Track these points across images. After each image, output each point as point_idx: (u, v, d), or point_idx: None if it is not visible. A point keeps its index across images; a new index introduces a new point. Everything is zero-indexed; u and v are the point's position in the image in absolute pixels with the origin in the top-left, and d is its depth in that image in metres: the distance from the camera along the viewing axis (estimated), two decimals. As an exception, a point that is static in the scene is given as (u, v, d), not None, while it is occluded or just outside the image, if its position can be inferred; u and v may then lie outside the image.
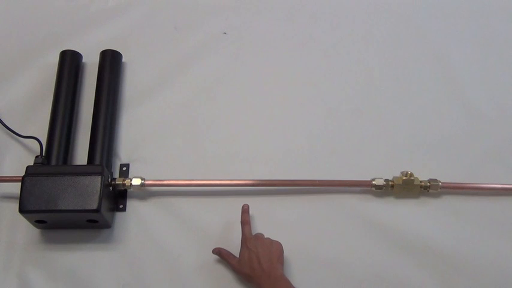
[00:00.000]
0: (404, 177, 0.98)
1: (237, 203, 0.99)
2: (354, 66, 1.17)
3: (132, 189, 0.98)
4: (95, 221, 0.93)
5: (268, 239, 0.90)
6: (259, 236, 0.90)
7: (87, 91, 1.12)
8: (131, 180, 0.97)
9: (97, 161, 0.99)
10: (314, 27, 1.23)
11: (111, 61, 1.11)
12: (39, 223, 0.93)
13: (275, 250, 0.88)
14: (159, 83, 1.14)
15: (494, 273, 0.94)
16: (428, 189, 0.99)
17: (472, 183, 1.01)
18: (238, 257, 0.90)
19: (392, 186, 0.99)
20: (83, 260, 0.94)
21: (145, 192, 1.01)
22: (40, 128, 1.04)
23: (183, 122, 1.09)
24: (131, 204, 1.00)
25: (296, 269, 0.94)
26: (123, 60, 1.15)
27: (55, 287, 0.92)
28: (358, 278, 0.93)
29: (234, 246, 0.94)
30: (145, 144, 1.07)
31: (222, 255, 0.92)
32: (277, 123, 1.10)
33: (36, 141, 1.01)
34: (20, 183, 0.91)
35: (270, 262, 0.85)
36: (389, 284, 0.93)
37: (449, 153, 1.06)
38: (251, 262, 0.85)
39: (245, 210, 0.94)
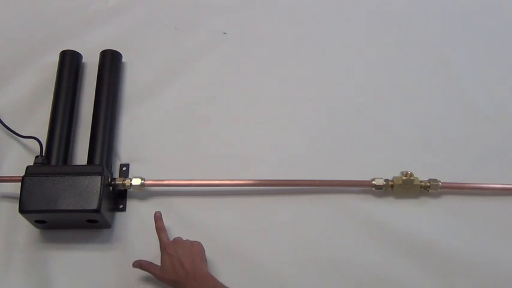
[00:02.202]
0: (404, 177, 0.98)
1: (237, 203, 1.00)
2: (354, 66, 1.17)
3: (132, 189, 0.98)
4: (95, 221, 0.93)
5: (188, 240, 0.89)
6: (178, 240, 0.90)
7: (87, 91, 1.12)
8: (131, 180, 0.97)
9: (97, 161, 0.99)
10: (314, 27, 1.23)
11: (111, 61, 1.11)
12: (39, 223, 0.93)
13: (196, 250, 0.87)
14: (159, 83, 1.14)
15: (494, 273, 0.94)
16: (428, 189, 0.99)
17: (472, 183, 1.01)
18: (160, 265, 0.88)
19: (392, 186, 0.99)
20: (83, 260, 0.94)
21: (145, 192, 1.01)
22: (40, 128, 1.04)
23: (183, 122, 1.09)
24: (131, 204, 1.00)
25: (296, 269, 0.94)
26: (123, 60, 1.15)
27: (55, 286, 0.92)
28: (358, 278, 0.93)
29: (234, 246, 0.95)
30: (145, 144, 1.07)
31: (143, 267, 0.90)
32: (277, 123, 1.10)
33: (36, 141, 1.01)
34: (20, 183, 0.91)
35: (192, 263, 0.84)
36: (389, 284, 0.93)
37: (449, 153, 1.06)
38: (174, 267, 0.84)
39: (158, 218, 0.93)
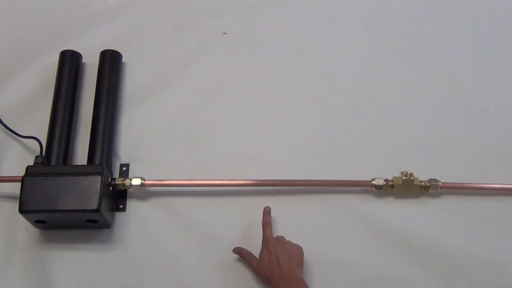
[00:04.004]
0: (404, 177, 0.98)
1: (237, 203, 1.00)
2: (354, 66, 1.17)
3: (132, 189, 0.98)
4: (95, 221, 0.93)
5: (289, 242, 0.90)
6: (280, 239, 0.90)
7: (87, 91, 1.12)
8: (131, 180, 0.97)
9: (97, 161, 0.99)
10: (314, 27, 1.23)
11: (111, 61, 1.12)
12: (39, 223, 0.93)
13: (295, 253, 0.87)
14: (159, 83, 1.14)
15: (494, 273, 0.94)
16: (428, 189, 0.99)
17: (472, 183, 1.01)
18: (258, 257, 0.89)
19: (392, 186, 0.99)
20: (83, 260, 0.94)
21: (145, 192, 1.01)
22: (40, 128, 1.04)
23: (183, 121, 1.09)
24: (131, 204, 1.00)
25: (296, 269, 0.94)
26: (123, 60, 1.15)
27: (55, 287, 0.92)
28: (358, 278, 0.93)
29: (234, 246, 0.95)
30: (145, 144, 1.07)
31: (242, 254, 0.92)
32: (277, 123, 1.10)
33: (36, 141, 1.01)
34: (20, 183, 0.91)
35: (289, 265, 0.84)
36: (389, 284, 0.93)
37: (449, 153, 1.06)
38: (271, 264, 0.85)
39: (267, 212, 0.94)
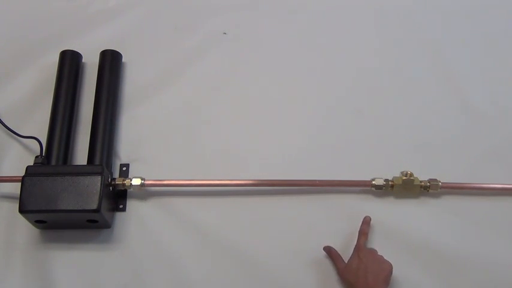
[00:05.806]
0: (404, 177, 0.98)
1: (237, 203, 1.00)
2: (354, 66, 1.17)
3: (132, 189, 0.98)
4: (95, 221, 0.93)
5: (381, 256, 0.90)
6: (373, 251, 0.91)
7: (87, 91, 1.12)
8: (131, 180, 0.97)
9: (97, 161, 0.99)
10: (314, 27, 1.23)
11: (111, 61, 1.12)
12: (39, 223, 0.93)
13: (385, 269, 0.87)
14: (159, 83, 1.14)
15: (494, 273, 0.94)
16: (428, 189, 0.99)
17: (472, 183, 1.01)
18: (346, 262, 0.90)
19: (392, 186, 0.99)
20: (83, 260, 0.94)
21: (145, 192, 1.01)
22: (40, 128, 1.04)
23: (183, 122, 1.09)
24: (131, 204, 1.00)
25: (296, 269, 0.94)
26: (123, 60, 1.15)
27: (55, 287, 0.92)
28: (358, 278, 0.93)
29: (234, 246, 0.95)
30: (145, 144, 1.07)
31: (331, 254, 0.93)
32: (277, 123, 1.10)
33: (36, 141, 1.01)
34: (20, 183, 0.91)
35: (376, 278, 0.84)
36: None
37: (449, 153, 1.06)
38: (358, 272, 0.85)
39: (366, 222, 0.94)
